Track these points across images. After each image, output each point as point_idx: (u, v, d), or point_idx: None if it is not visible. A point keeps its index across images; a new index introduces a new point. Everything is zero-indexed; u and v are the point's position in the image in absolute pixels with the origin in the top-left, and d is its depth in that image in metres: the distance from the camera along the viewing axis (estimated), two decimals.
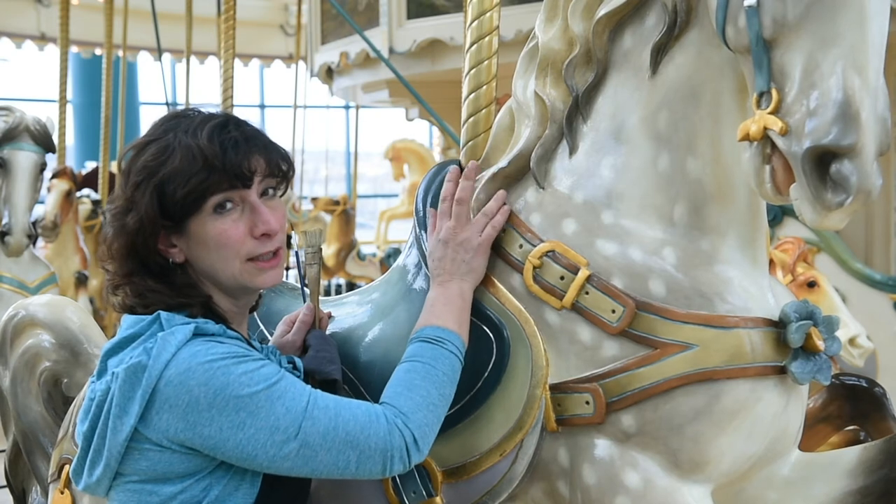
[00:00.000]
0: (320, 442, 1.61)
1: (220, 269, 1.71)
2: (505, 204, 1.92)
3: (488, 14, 2.01)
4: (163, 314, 1.66)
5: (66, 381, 2.60)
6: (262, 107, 16.09)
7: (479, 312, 1.87)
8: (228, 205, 1.69)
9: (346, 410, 1.65)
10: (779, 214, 4.87)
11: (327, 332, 2.00)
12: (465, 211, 1.92)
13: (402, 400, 1.70)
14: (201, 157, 1.67)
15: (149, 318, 1.67)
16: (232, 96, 4.47)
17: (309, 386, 1.67)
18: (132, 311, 1.71)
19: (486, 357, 1.84)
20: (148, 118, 15.07)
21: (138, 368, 1.59)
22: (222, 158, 1.68)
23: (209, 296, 1.73)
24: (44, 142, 5.61)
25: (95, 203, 8.00)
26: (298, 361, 1.84)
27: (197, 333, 1.63)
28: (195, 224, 1.69)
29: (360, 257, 11.31)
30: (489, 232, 1.89)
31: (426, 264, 1.95)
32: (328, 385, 1.79)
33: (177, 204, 1.67)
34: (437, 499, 1.85)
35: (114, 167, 8.28)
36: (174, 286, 1.71)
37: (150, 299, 1.70)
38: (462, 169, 2.01)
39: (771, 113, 1.56)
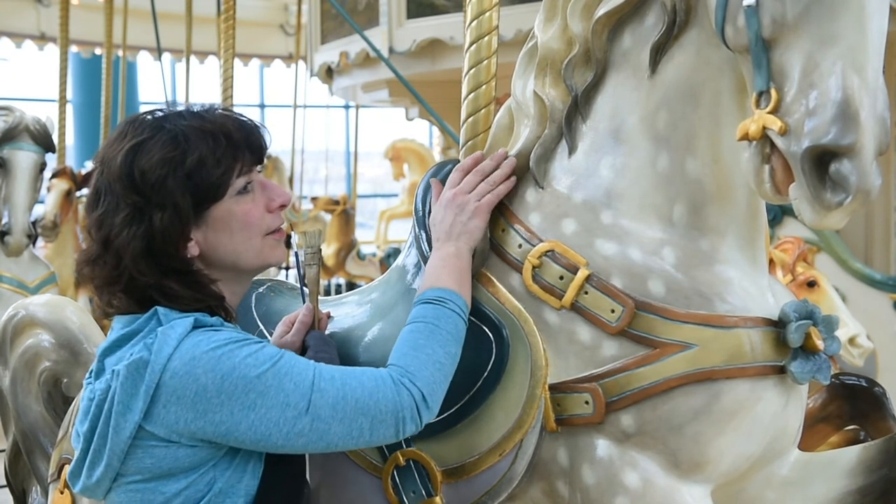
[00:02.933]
0: (331, 413, 1.61)
1: (243, 251, 1.71)
2: (511, 175, 1.92)
3: (488, 14, 2.01)
4: (160, 309, 1.65)
5: (65, 380, 2.60)
6: (262, 106, 16.06)
7: (478, 312, 1.86)
8: (247, 183, 1.70)
9: (351, 378, 1.64)
10: (779, 214, 4.86)
11: (326, 333, 2.00)
12: (468, 178, 1.91)
13: (408, 360, 1.70)
14: (224, 136, 1.67)
15: (145, 315, 1.66)
16: (232, 96, 4.48)
17: (311, 360, 1.67)
18: (126, 312, 1.69)
19: (485, 357, 1.84)
20: None
21: (140, 364, 1.58)
22: (246, 136, 1.69)
23: (222, 296, 1.72)
24: (44, 141, 5.60)
25: None
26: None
27: (196, 325, 1.63)
28: (217, 209, 1.68)
29: (360, 257, 11.29)
30: (489, 198, 1.89)
31: (426, 264, 1.95)
32: None
33: (210, 187, 1.65)
34: (437, 499, 1.85)
35: None
36: (195, 288, 1.68)
37: (181, 303, 1.66)
38: None
39: (770, 112, 1.56)
